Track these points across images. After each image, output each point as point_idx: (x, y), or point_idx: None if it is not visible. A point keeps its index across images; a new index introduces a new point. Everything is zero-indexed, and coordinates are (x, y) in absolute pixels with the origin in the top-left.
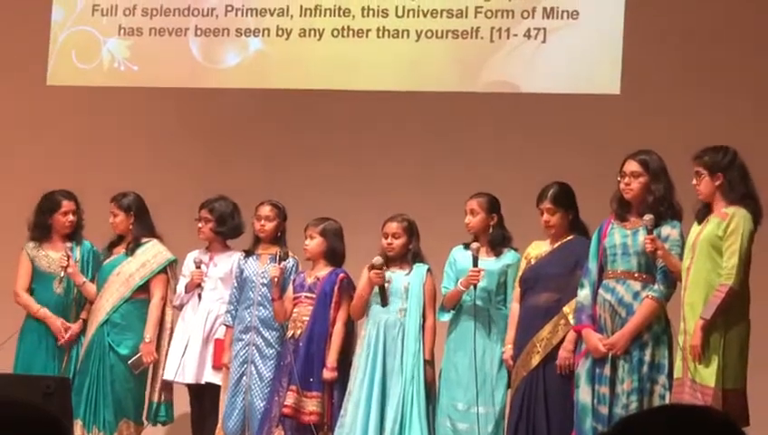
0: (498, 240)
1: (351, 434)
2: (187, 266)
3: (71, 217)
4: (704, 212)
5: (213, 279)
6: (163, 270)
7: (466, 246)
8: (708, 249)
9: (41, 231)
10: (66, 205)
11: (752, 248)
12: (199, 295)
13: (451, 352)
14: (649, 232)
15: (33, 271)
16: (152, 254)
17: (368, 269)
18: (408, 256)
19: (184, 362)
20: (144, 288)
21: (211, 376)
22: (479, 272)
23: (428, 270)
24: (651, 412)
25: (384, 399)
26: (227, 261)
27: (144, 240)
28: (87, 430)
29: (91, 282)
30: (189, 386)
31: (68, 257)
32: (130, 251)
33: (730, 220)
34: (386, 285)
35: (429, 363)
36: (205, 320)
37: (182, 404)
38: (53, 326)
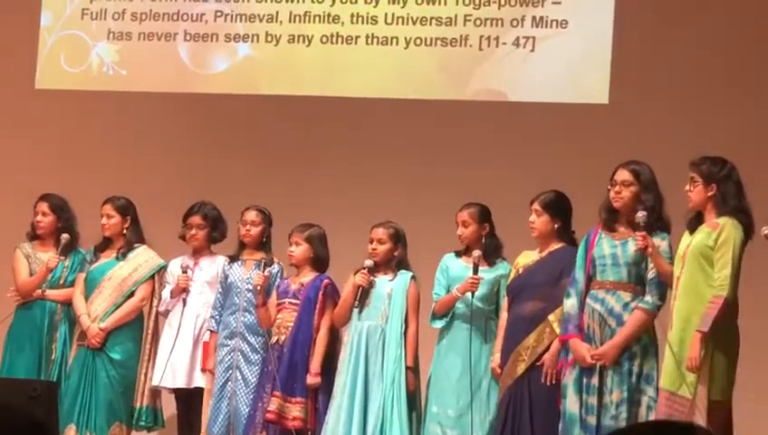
0: (492, 249)
1: None
2: (171, 273)
3: (38, 218)
4: (695, 222)
5: (199, 283)
6: (151, 275)
7: (458, 254)
8: (699, 259)
9: (30, 232)
10: (38, 206)
11: (742, 258)
12: (184, 300)
13: (442, 358)
14: (641, 229)
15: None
16: (144, 259)
17: (353, 274)
18: (392, 262)
19: (173, 368)
20: (134, 292)
21: (201, 380)
22: (479, 280)
23: (413, 277)
24: (637, 429)
25: (366, 404)
26: (213, 265)
27: (135, 245)
28: (80, 433)
29: (70, 286)
30: (176, 392)
31: (57, 260)
32: (122, 255)
33: (721, 230)
34: (369, 289)
35: (411, 370)
36: (194, 324)
37: (169, 408)
38: (42, 271)
